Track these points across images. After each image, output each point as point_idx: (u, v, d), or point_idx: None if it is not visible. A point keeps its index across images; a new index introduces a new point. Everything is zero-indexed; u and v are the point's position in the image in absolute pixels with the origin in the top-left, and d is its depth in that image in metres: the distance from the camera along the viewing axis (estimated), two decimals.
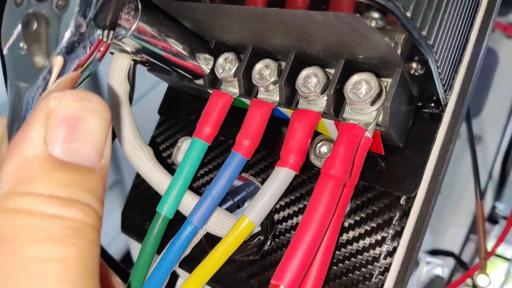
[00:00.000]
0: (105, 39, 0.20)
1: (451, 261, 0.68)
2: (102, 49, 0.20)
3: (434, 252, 0.68)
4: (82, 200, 0.17)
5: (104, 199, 0.18)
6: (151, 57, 0.27)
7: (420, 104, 0.27)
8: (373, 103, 0.24)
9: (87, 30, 0.19)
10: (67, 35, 0.19)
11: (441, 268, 0.59)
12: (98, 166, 0.17)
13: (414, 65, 0.22)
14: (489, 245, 0.85)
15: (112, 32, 0.21)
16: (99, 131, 0.17)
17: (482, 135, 0.77)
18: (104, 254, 0.39)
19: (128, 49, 0.26)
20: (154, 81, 0.35)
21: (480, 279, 0.54)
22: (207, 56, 0.30)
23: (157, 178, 0.30)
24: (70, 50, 0.19)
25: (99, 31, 0.20)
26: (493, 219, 0.90)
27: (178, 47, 0.27)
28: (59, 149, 0.17)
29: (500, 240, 0.65)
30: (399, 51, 0.21)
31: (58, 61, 0.19)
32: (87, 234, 0.16)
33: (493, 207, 0.93)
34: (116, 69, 0.29)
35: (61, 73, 0.19)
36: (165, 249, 0.28)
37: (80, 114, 0.17)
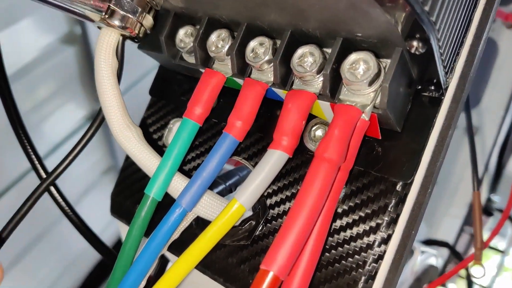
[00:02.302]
0: None
1: (445, 252, 0.67)
2: None
3: (429, 242, 0.67)
4: None
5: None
6: None
7: (419, 87, 0.26)
8: (371, 83, 0.23)
9: None
10: None
11: (435, 258, 0.58)
12: None
13: (415, 43, 0.21)
14: (484, 237, 0.84)
15: None
16: None
17: (480, 126, 0.77)
18: (95, 240, 0.39)
19: None
20: (152, 65, 0.33)
21: (475, 269, 0.53)
22: None
23: (145, 159, 0.29)
24: None
25: None
26: (488, 211, 0.90)
27: None
28: None
29: (495, 232, 0.65)
30: (399, 28, 0.20)
31: None
32: None
33: (489, 199, 0.92)
34: (103, 45, 0.27)
35: None
36: (152, 232, 0.28)
37: None
